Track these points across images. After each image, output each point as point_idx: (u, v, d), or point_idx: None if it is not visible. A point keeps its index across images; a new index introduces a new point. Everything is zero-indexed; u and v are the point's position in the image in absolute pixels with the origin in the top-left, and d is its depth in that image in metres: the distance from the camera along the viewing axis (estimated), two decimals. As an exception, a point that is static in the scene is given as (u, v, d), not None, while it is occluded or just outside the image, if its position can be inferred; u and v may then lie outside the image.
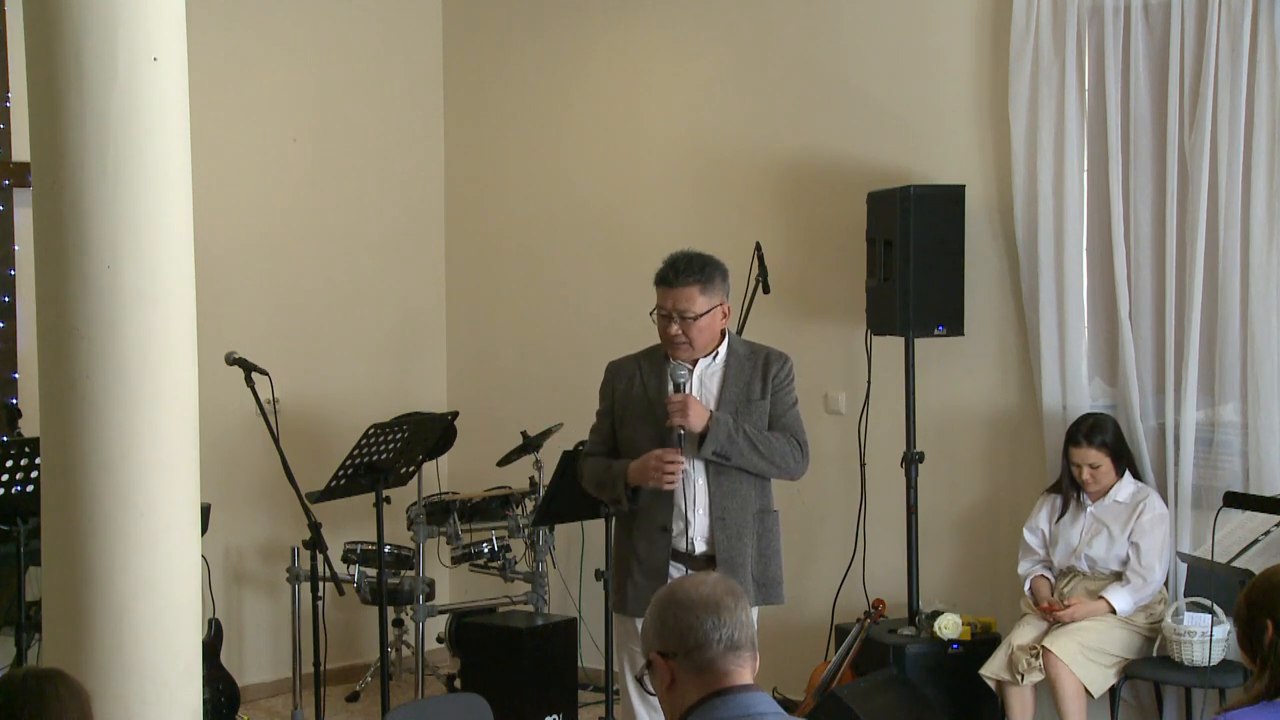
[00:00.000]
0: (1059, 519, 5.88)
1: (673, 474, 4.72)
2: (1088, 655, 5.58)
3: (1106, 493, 5.79)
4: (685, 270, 4.77)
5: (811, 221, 6.72)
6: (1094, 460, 5.75)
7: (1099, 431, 5.78)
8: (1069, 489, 5.86)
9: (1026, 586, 5.91)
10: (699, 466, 4.80)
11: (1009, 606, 6.16)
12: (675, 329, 4.78)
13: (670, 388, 4.80)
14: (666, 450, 4.73)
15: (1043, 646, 5.58)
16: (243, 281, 7.06)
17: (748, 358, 4.91)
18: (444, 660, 7.30)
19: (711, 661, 2.79)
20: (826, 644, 6.39)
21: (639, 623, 4.76)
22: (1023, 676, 5.61)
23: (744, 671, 2.82)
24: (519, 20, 7.61)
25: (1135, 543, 5.71)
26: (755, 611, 4.75)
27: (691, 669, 2.80)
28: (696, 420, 4.73)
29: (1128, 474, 5.81)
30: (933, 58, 6.44)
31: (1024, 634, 5.74)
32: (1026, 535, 5.93)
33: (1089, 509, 5.80)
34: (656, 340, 4.95)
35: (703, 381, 4.86)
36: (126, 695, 4.04)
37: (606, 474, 4.93)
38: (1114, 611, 5.66)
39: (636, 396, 4.88)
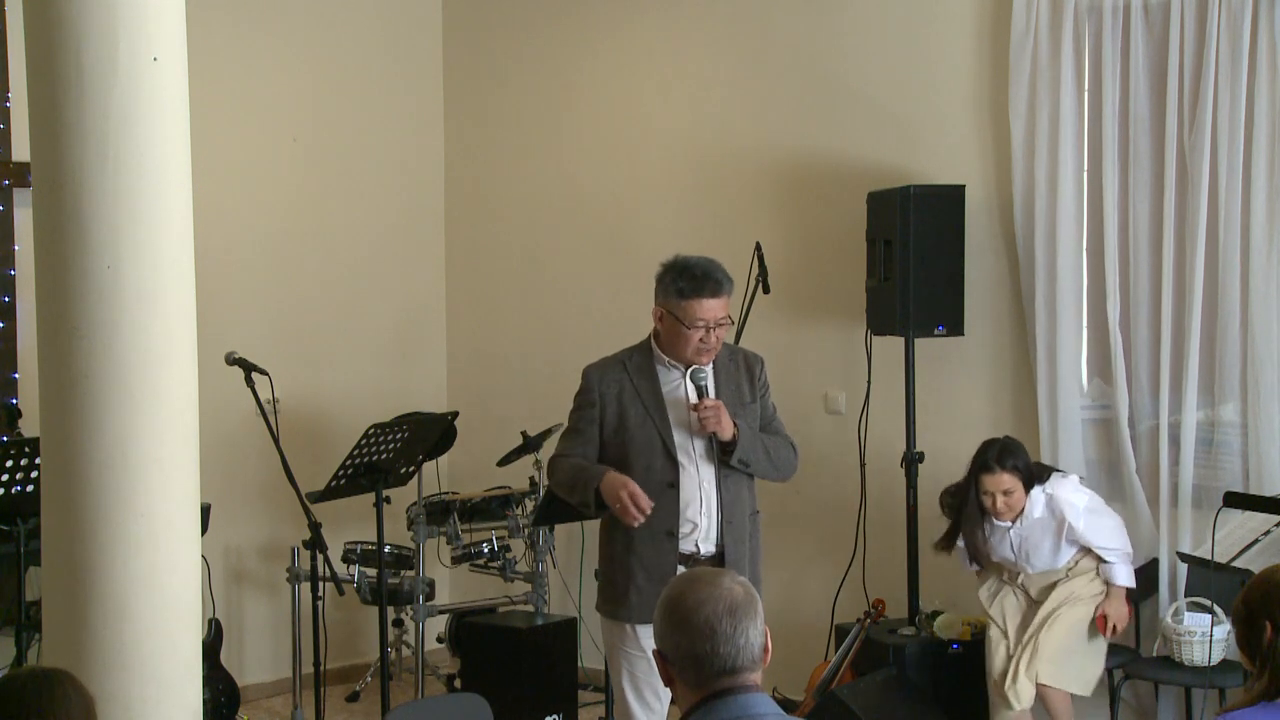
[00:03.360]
0: (985, 543, 5.67)
1: (636, 516, 4.66)
2: (1071, 660, 5.51)
3: (1019, 514, 5.56)
4: (720, 280, 4.70)
5: (811, 221, 6.72)
6: (1008, 486, 5.49)
7: (1010, 454, 5.52)
8: (978, 521, 5.60)
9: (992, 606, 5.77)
10: (710, 471, 4.78)
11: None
12: (713, 338, 4.72)
13: (694, 393, 4.73)
14: (640, 495, 4.65)
15: (1038, 683, 5.46)
16: (243, 281, 7.06)
17: (729, 359, 4.88)
18: (444, 660, 7.30)
19: (705, 681, 2.77)
20: (826, 644, 6.39)
21: (638, 628, 4.75)
22: (1017, 702, 5.48)
23: (744, 680, 2.79)
24: (519, 20, 7.61)
25: (1084, 544, 5.59)
26: None
27: (687, 683, 2.79)
28: (728, 428, 4.70)
29: (1036, 489, 5.55)
30: (933, 58, 6.44)
31: (995, 661, 5.62)
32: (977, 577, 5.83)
33: (1010, 530, 5.61)
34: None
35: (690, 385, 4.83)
36: (126, 695, 4.03)
37: (581, 475, 4.79)
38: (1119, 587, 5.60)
39: (631, 404, 4.80)
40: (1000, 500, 5.50)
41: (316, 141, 7.36)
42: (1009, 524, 5.57)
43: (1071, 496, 5.57)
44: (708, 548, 4.77)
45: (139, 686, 4.05)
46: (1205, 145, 5.70)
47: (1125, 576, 5.59)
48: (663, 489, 4.74)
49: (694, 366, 4.77)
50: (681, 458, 4.76)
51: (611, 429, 4.82)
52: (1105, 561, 5.60)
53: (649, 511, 4.67)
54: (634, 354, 4.87)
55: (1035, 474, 5.55)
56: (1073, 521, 5.53)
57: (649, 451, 4.76)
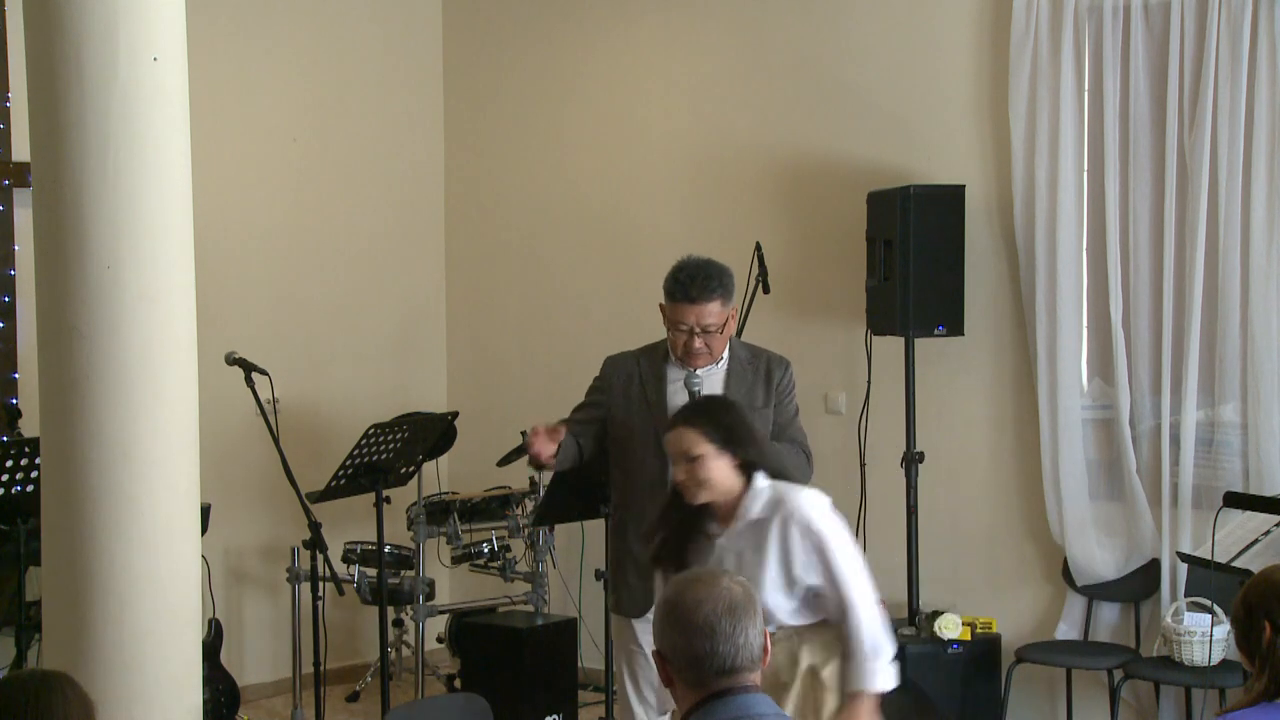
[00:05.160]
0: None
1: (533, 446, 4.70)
2: None
3: (735, 510, 4.01)
4: (706, 284, 4.66)
5: (811, 221, 6.72)
6: (689, 445, 3.96)
7: (707, 414, 4.08)
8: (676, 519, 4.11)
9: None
10: None
11: (1009, 606, 6.17)
12: (699, 343, 4.71)
13: (686, 399, 4.72)
14: (541, 435, 4.70)
15: None
16: (243, 281, 7.06)
17: (749, 362, 4.87)
18: (444, 660, 7.29)
19: (704, 681, 2.77)
20: (826, 644, 6.39)
21: (635, 623, 4.76)
22: None
23: (744, 680, 2.79)
24: (519, 20, 7.61)
25: (809, 586, 3.98)
26: None
27: (686, 682, 2.80)
28: None
29: (762, 480, 4.01)
30: (933, 58, 6.44)
31: None
32: None
33: (719, 540, 4.05)
34: (655, 338, 4.92)
35: (706, 386, 4.82)
36: (127, 695, 4.04)
37: None
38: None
39: (635, 398, 4.82)
40: (683, 468, 3.99)
41: (316, 142, 7.36)
42: (719, 529, 4.05)
43: (813, 505, 4.00)
44: None
45: (139, 687, 4.06)
46: (1205, 145, 5.70)
47: (876, 677, 3.92)
48: (652, 486, 4.74)
49: (687, 372, 4.76)
50: None
51: (618, 423, 4.84)
52: (848, 655, 3.94)
53: (539, 452, 4.70)
54: (650, 351, 4.90)
55: (757, 455, 4.04)
56: (811, 538, 3.94)
57: (643, 448, 4.77)
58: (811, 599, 4.00)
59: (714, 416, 4.06)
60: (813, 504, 3.99)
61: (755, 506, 4.00)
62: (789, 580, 3.97)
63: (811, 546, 3.95)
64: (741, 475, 4.01)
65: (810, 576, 3.96)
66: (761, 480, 4.01)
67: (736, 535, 4.04)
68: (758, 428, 4.67)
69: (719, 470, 3.99)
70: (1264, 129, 5.65)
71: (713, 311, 4.69)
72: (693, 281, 4.68)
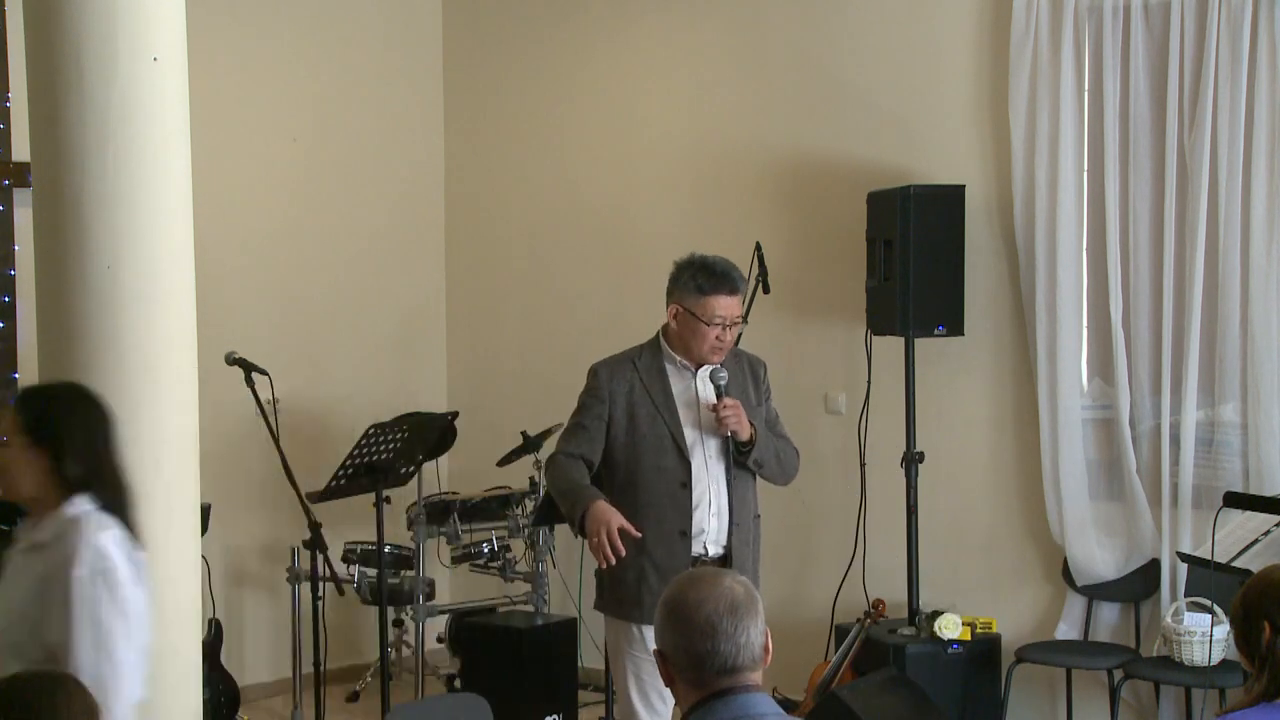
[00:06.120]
0: None
1: (606, 559, 4.59)
2: None
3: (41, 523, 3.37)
4: (736, 279, 4.70)
5: (811, 221, 6.72)
6: (6, 425, 3.41)
7: (36, 403, 3.50)
8: None
9: None
10: (720, 473, 4.72)
11: (1009, 606, 6.16)
12: (729, 335, 4.72)
13: (712, 394, 4.70)
14: (618, 541, 4.56)
15: None
16: (243, 281, 7.06)
17: (735, 362, 4.86)
18: (444, 660, 7.29)
19: (705, 680, 2.77)
20: (826, 644, 6.39)
21: (645, 630, 4.71)
22: None
23: (745, 679, 2.79)
24: (519, 20, 7.62)
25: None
26: None
27: (687, 682, 2.80)
28: (747, 427, 4.68)
29: (81, 504, 3.33)
30: (933, 58, 6.44)
31: None
32: None
33: (17, 553, 3.42)
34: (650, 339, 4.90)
35: (705, 388, 4.81)
36: (126, 695, 4.03)
37: (572, 493, 4.72)
38: None
39: (641, 404, 4.76)
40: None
41: (316, 142, 7.36)
42: (20, 544, 3.43)
43: (98, 549, 3.28)
44: (715, 550, 4.75)
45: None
46: (1205, 145, 5.71)
47: None
48: (675, 489, 4.70)
49: (712, 367, 4.74)
50: (693, 458, 4.73)
51: (622, 429, 4.77)
52: None
53: (621, 557, 4.59)
54: (643, 353, 4.83)
55: (82, 479, 3.34)
56: (66, 578, 3.23)
57: (660, 451, 4.72)
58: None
59: (46, 410, 3.43)
60: (98, 548, 3.25)
61: (49, 528, 3.33)
62: (36, 622, 3.29)
63: (63, 593, 3.23)
64: (55, 487, 3.34)
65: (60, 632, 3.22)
66: (81, 505, 3.32)
67: (24, 551, 3.39)
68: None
69: (19, 466, 3.36)
70: (1264, 129, 5.65)
71: (739, 303, 4.74)
72: (727, 276, 4.71)
